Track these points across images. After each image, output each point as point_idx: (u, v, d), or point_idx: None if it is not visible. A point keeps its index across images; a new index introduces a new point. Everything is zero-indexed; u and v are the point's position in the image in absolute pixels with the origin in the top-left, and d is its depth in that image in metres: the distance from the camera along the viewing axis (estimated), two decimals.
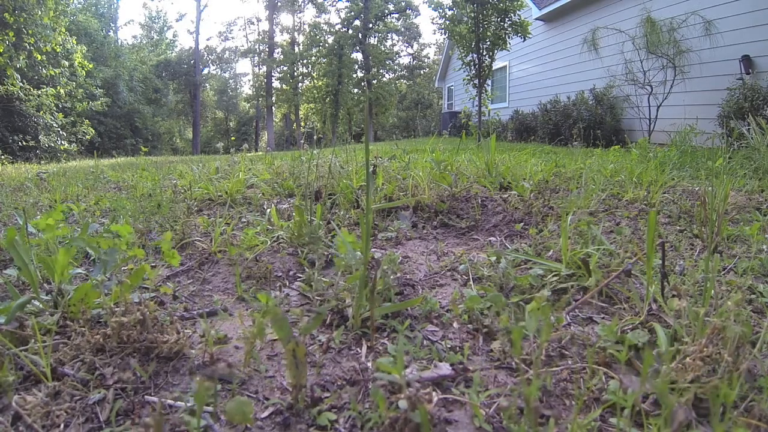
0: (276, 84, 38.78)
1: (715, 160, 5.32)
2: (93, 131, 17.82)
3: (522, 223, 2.68)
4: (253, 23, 42.02)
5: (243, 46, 42.62)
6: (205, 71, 41.08)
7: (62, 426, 1.06)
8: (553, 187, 3.62)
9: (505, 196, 3.15)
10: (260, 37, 40.81)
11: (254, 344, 1.28)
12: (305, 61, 38.61)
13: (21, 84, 13.01)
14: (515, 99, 18.51)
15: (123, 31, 44.52)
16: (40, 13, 12.71)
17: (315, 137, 40.01)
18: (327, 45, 36.73)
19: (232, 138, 33.32)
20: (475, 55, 12.37)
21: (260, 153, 27.52)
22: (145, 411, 1.11)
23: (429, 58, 45.33)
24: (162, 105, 32.92)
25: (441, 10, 12.95)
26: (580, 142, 10.96)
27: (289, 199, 3.56)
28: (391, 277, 1.73)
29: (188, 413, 1.05)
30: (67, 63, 15.68)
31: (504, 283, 1.75)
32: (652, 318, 1.42)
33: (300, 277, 2.00)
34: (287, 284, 1.94)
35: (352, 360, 1.34)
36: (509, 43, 12.56)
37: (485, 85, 12.82)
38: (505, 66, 18.97)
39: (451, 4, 12.65)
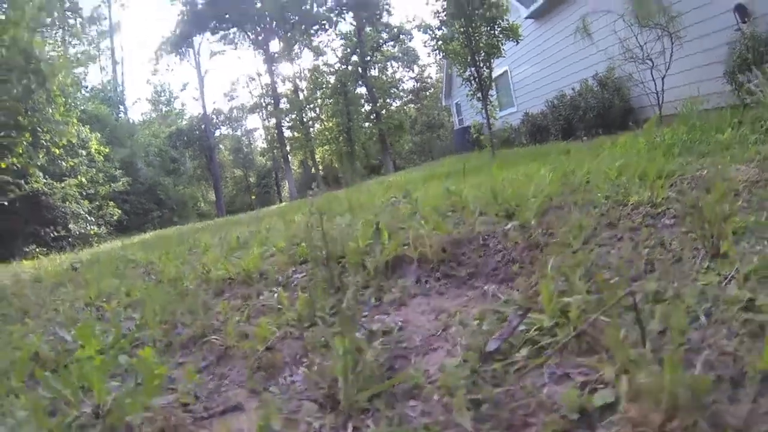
0: (287, 133, 39.42)
1: (724, 131, 5.19)
2: (119, 211, 18.28)
3: (518, 264, 2.66)
4: (254, 79, 42.93)
5: (249, 102, 43.49)
6: (217, 133, 41.98)
7: None
8: (558, 203, 3.56)
9: (508, 227, 3.10)
10: (264, 91, 41.59)
11: None
12: (312, 105, 39.26)
13: (44, 180, 13.44)
14: (522, 102, 18.44)
15: (133, 110, 45.72)
16: (51, 110, 13.18)
17: (334, 178, 40.56)
18: (330, 85, 37.36)
19: (252, 196, 33.86)
20: (473, 69, 12.40)
21: (284, 204, 27.87)
22: None
23: (432, 77, 45.58)
24: (181, 173, 33.60)
25: (431, 32, 13.08)
26: (589, 135, 10.86)
27: (303, 266, 3.62)
28: (382, 355, 1.86)
29: None
30: (84, 152, 16.20)
31: (485, 346, 1.75)
32: (633, 365, 1.38)
33: (305, 362, 2.06)
34: (294, 370, 2.02)
35: None
36: (503, 50, 12.59)
37: (489, 96, 12.79)
38: (506, 71, 18.99)
39: (439, 24, 12.78)
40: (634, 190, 3.41)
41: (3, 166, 12.01)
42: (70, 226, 14.26)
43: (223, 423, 1.56)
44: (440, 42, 12.96)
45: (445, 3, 12.54)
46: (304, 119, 38.98)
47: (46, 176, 13.88)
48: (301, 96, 39.83)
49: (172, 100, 42.10)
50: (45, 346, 2.48)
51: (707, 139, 5.37)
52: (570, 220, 2.93)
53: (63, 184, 14.42)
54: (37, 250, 12.45)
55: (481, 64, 12.39)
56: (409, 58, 41.68)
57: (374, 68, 39.35)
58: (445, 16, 12.52)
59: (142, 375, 1.74)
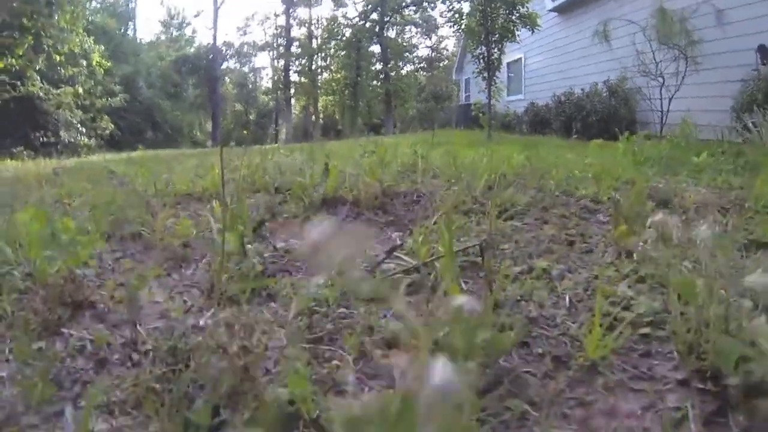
0: (294, 77, 39.05)
1: (704, 155, 5.24)
2: (113, 126, 18.00)
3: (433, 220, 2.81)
4: (270, 18, 42.00)
5: (261, 40, 42.70)
6: (224, 65, 41.39)
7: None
8: (510, 182, 3.66)
9: (445, 191, 3.28)
10: (278, 32, 40.87)
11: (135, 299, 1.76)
12: (323, 54, 38.76)
13: (41, 85, 13.21)
14: (531, 91, 18.35)
15: (142, 29, 44.05)
16: (57, 17, 12.93)
17: (334, 129, 40.38)
18: (345, 38, 36.86)
19: (244, 131, 33.60)
20: (483, 48, 12.29)
21: (277, 145, 27.65)
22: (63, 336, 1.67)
23: (448, 49, 44.81)
24: (182, 99, 33.09)
25: (449, 3, 12.83)
26: (586, 137, 10.84)
27: (256, 194, 3.82)
28: (270, 265, 2.25)
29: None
30: (85, 62, 15.93)
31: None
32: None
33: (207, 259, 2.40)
34: (198, 264, 2.37)
35: (196, 319, 1.71)
36: (518, 36, 12.46)
37: (495, 78, 12.70)
38: (521, 58, 18.84)
39: None
40: (584, 185, 3.52)
41: (1, 66, 11.82)
42: (61, 133, 14.10)
43: (117, 287, 1.98)
44: (457, 15, 12.73)
45: None
46: (314, 66, 38.55)
47: (44, 81, 13.63)
48: (314, 43, 39.25)
49: (184, 25, 41.21)
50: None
51: (685, 159, 5.41)
52: (505, 196, 3.04)
53: (59, 91, 14.16)
54: (25, 152, 12.32)
55: (493, 45, 12.28)
56: (429, 27, 40.99)
57: (392, 29, 38.78)
58: None
59: (70, 247, 2.10)
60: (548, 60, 16.83)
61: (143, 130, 24.73)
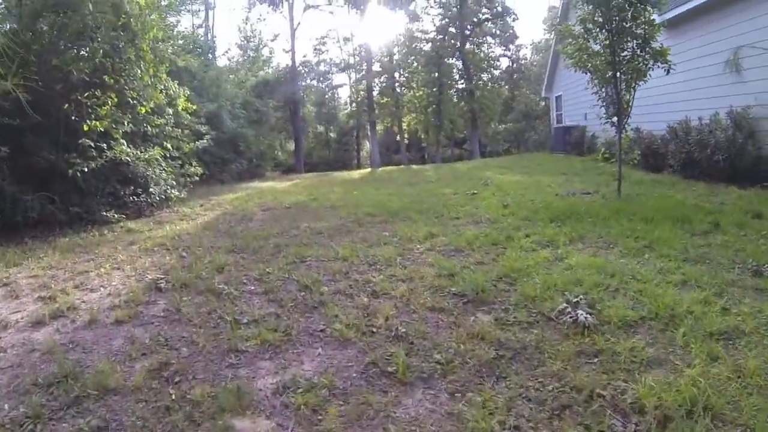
0: (377, 97, 38.62)
1: None
2: (200, 170, 17.22)
3: None
4: (349, 39, 41.51)
5: (338, 57, 42.28)
6: (303, 83, 40.99)
7: None
8: None
9: None
10: (356, 51, 40.44)
11: None
12: (403, 71, 37.77)
13: (128, 150, 12.39)
14: (637, 114, 16.10)
15: (221, 60, 43.81)
16: (139, 72, 12.23)
17: (417, 146, 39.27)
18: (423, 53, 35.75)
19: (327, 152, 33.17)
20: (611, 89, 10.54)
21: (367, 171, 26.72)
22: None
23: (526, 58, 43.84)
24: (263, 123, 32.70)
25: (574, 40, 11.08)
26: (712, 180, 9.03)
27: None
28: None
29: None
30: (171, 110, 15.27)
31: None
32: None
33: None
34: None
35: None
36: (649, 75, 10.59)
37: (626, 125, 10.91)
38: None
39: (582, 32, 10.81)
40: None
41: (85, 129, 11.10)
42: (151, 189, 13.38)
43: None
44: (582, 53, 10.94)
45: (590, 8, 10.58)
46: (395, 85, 37.64)
47: (131, 145, 12.83)
48: (394, 61, 38.30)
49: (261, 46, 40.93)
50: None
51: None
52: None
53: (147, 156, 13.35)
54: (116, 216, 11.52)
55: (623, 86, 10.51)
56: (507, 38, 39.34)
57: (471, 43, 37.44)
58: (591, 24, 10.57)
59: None
60: (656, 80, 14.52)
61: (228, 161, 24.38)
